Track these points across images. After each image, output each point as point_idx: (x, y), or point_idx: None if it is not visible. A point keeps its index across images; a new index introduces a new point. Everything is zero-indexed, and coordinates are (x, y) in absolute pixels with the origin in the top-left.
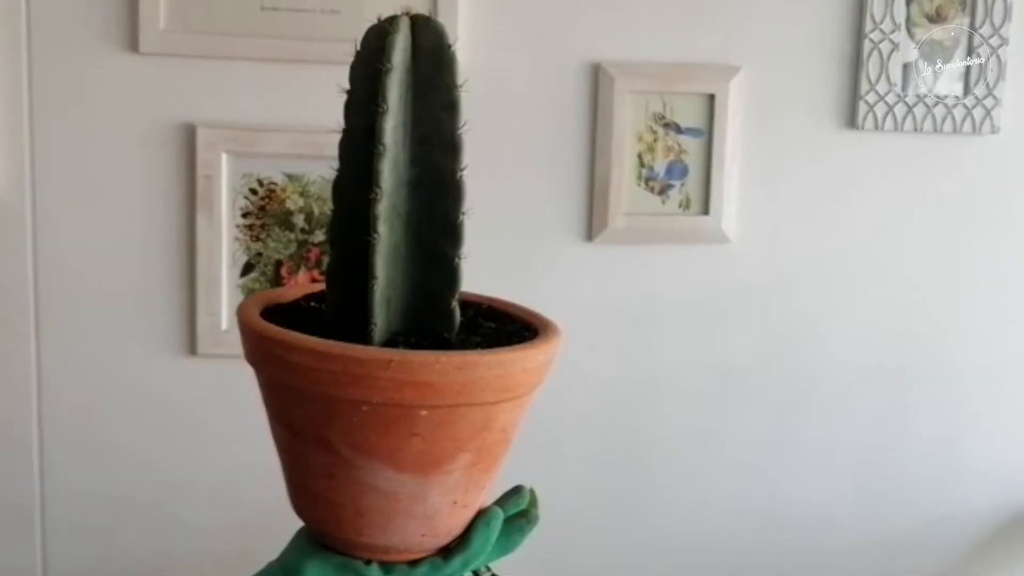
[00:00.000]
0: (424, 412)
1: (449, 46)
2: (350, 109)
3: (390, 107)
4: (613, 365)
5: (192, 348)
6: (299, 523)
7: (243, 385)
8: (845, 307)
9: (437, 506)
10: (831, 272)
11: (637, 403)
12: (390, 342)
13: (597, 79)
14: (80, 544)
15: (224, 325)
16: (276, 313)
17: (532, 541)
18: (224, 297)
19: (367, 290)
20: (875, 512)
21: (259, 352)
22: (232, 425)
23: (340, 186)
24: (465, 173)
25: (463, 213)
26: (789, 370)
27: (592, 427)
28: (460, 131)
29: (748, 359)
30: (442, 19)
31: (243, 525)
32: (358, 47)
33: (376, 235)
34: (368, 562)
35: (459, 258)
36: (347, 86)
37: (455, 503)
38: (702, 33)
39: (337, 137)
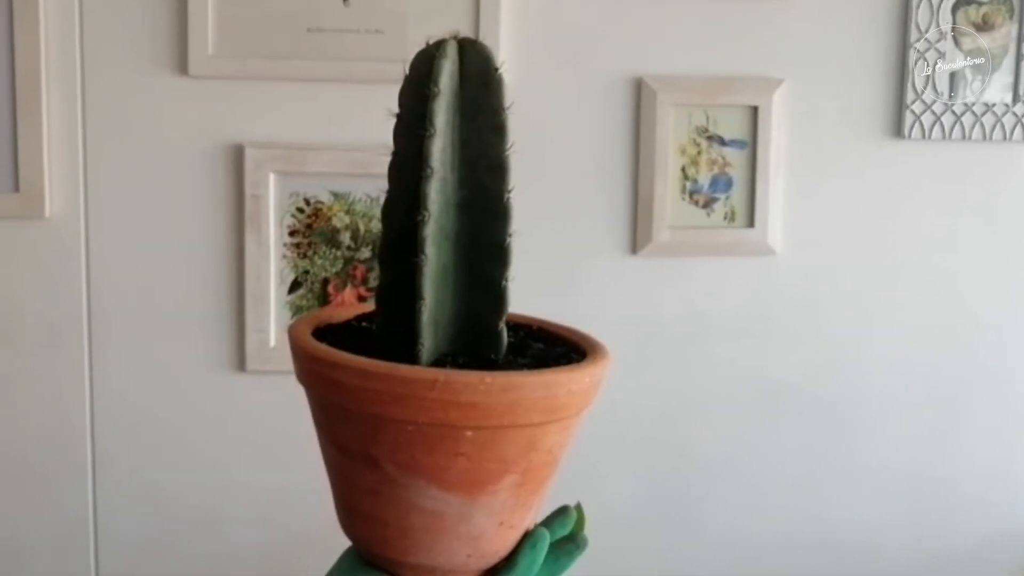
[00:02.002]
0: (469, 432)
1: (496, 69)
2: (399, 132)
3: (437, 130)
4: (657, 379)
5: (241, 365)
6: (347, 543)
7: (291, 400)
8: (893, 321)
9: (483, 527)
10: (879, 285)
11: (681, 420)
12: (437, 363)
13: (639, 93)
14: (134, 561)
15: (272, 342)
16: (328, 333)
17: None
18: (272, 314)
19: (415, 311)
20: (926, 533)
21: (308, 371)
22: (280, 441)
23: (389, 208)
24: (512, 194)
25: (510, 235)
26: (837, 386)
27: (634, 444)
28: (507, 153)
29: (795, 374)
30: (484, 36)
31: (292, 543)
32: (406, 71)
33: (424, 257)
34: None
35: (506, 280)
36: (396, 109)
37: (501, 524)
38: (744, 45)
39: (385, 159)
